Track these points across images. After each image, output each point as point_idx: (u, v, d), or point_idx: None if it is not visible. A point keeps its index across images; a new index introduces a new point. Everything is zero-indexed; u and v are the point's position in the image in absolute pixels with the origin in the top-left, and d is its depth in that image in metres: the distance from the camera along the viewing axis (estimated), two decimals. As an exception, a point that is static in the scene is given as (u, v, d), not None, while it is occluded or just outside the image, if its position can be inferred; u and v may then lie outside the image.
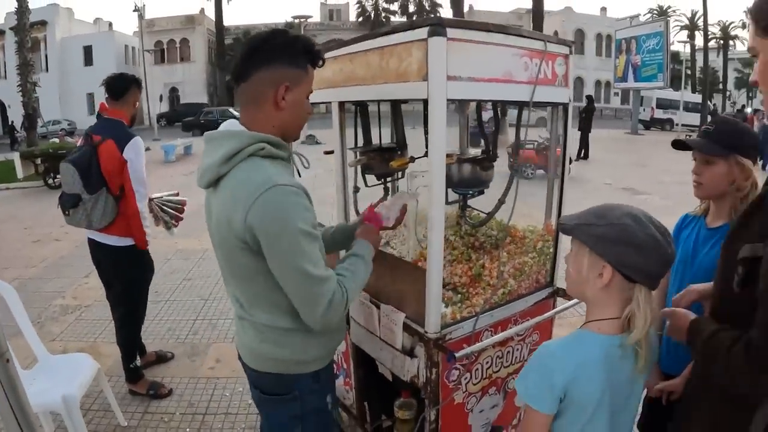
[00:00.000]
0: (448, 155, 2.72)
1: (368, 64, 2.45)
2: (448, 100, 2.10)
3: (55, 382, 3.48)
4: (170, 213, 4.69)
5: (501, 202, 2.78)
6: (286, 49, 1.94)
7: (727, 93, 59.83)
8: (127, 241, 4.18)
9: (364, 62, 2.48)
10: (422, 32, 2.05)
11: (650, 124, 36.56)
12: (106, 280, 4.47)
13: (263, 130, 1.94)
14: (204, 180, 1.95)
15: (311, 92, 2.07)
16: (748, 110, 32.74)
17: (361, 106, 3.02)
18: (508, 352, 2.68)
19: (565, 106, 2.75)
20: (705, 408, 1.66)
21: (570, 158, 2.97)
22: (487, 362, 2.60)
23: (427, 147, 2.43)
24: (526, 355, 2.76)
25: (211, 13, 55.07)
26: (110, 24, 62.87)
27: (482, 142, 3.01)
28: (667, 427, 2.00)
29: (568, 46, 2.66)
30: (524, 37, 2.40)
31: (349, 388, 3.19)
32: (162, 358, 5.00)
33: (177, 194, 4.86)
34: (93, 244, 4.25)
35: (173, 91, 56.11)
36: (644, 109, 36.54)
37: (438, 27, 2.01)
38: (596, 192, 12.91)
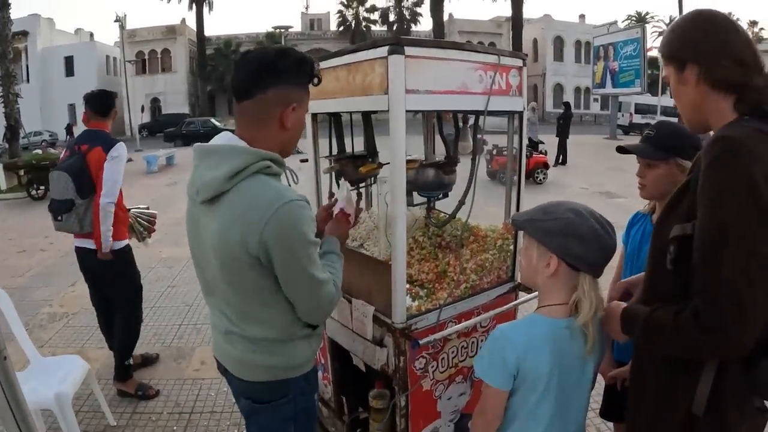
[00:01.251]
0: (412, 161, 2.93)
1: (337, 79, 2.66)
2: (407, 111, 2.31)
3: (47, 381, 3.60)
4: (144, 225, 4.88)
5: (461, 203, 2.96)
6: (297, 70, 1.96)
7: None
8: (120, 244, 4.37)
9: (334, 77, 2.68)
10: (383, 50, 2.26)
11: (629, 129, 36.82)
12: (97, 287, 4.61)
13: (266, 148, 1.94)
14: (202, 195, 1.92)
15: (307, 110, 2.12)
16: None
17: (335, 117, 3.16)
18: (473, 342, 2.86)
19: (520, 114, 2.94)
20: (651, 382, 1.80)
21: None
22: (453, 352, 2.77)
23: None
24: (489, 345, 2.95)
25: (192, 24, 55.01)
26: (91, 34, 62.40)
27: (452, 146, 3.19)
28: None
29: (522, 58, 2.86)
30: (478, 52, 2.60)
31: (328, 383, 3.33)
32: (147, 360, 5.13)
33: (147, 208, 5.08)
34: (83, 252, 4.38)
35: (155, 102, 55.64)
36: (623, 115, 36.78)
37: (397, 46, 2.23)
38: (573, 197, 13.02)
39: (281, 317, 2.03)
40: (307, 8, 67.23)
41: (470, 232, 3.22)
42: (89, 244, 4.30)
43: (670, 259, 1.64)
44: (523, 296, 3.01)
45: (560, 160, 20.19)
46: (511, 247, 3.06)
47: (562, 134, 20.47)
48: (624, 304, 1.89)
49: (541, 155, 16.41)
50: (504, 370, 1.83)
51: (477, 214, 2.84)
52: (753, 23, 69.00)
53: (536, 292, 2.03)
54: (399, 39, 2.25)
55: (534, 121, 19.52)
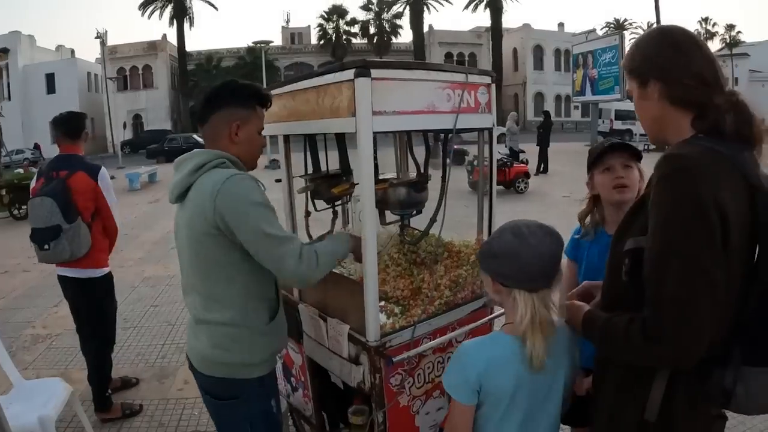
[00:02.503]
0: (382, 181, 2.97)
1: (307, 101, 2.68)
2: (375, 132, 2.35)
3: (30, 405, 3.58)
4: None
5: (433, 220, 2.99)
6: (236, 94, 2.37)
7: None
8: (103, 271, 4.39)
9: (304, 99, 2.72)
10: (349, 74, 2.29)
11: (610, 135, 37.10)
12: (78, 316, 4.55)
13: None
14: (174, 194, 2.32)
15: (262, 128, 2.48)
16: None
17: (309, 137, 3.20)
18: (449, 357, 2.85)
19: (490, 130, 2.98)
20: (609, 387, 1.86)
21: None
22: (429, 367, 2.78)
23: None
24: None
25: (173, 39, 55.06)
26: (72, 51, 62.30)
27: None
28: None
29: (490, 76, 2.90)
30: (445, 71, 2.65)
31: (308, 400, 3.33)
32: (127, 384, 5.12)
33: None
34: (65, 281, 4.36)
35: (137, 118, 55.46)
36: (603, 121, 37.02)
37: (363, 69, 2.25)
38: (554, 205, 13.20)
39: (240, 299, 2.32)
40: (287, 22, 67.39)
41: (444, 248, 3.25)
42: (71, 272, 4.29)
43: (625, 270, 1.70)
44: (498, 310, 3.03)
45: (541, 169, 20.39)
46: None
47: (543, 143, 20.72)
48: (585, 306, 1.95)
49: (522, 164, 16.60)
50: (468, 387, 1.88)
51: (460, 226, 2.89)
52: (730, 27, 70.00)
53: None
54: (365, 62, 2.29)
55: (515, 131, 19.77)
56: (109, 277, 4.51)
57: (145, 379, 5.26)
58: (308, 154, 3.28)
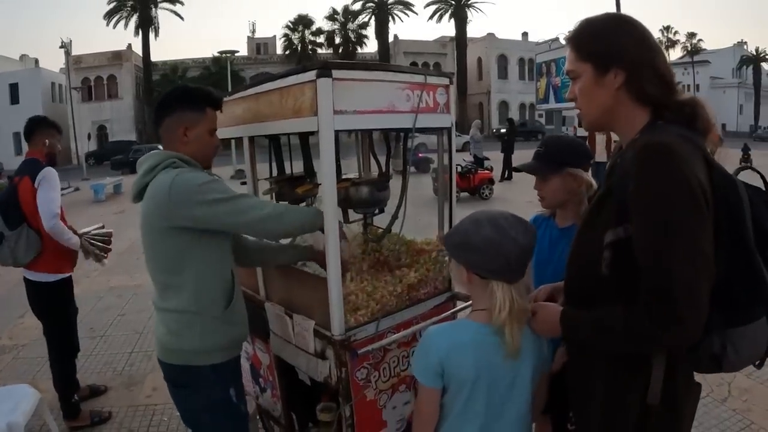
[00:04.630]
0: (344, 180, 3.03)
1: (271, 103, 2.75)
2: (337, 131, 2.42)
3: (-2, 411, 3.57)
4: (99, 246, 4.78)
5: (394, 217, 3.06)
6: (183, 98, 2.51)
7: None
8: (56, 277, 4.36)
9: (267, 101, 2.78)
10: (312, 74, 2.36)
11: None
12: (38, 318, 4.57)
13: None
14: (132, 194, 2.47)
15: (214, 129, 2.60)
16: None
17: (274, 140, 3.26)
18: (413, 351, 2.93)
19: (449, 130, 3.06)
20: (599, 376, 1.81)
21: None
22: (394, 361, 2.84)
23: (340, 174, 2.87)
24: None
25: (138, 49, 54.51)
26: (36, 61, 61.39)
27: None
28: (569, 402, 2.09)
29: (448, 77, 3.00)
30: (404, 72, 2.74)
31: (277, 400, 3.36)
32: (95, 392, 5.10)
33: (102, 227, 5.00)
34: (26, 283, 4.41)
35: (101, 129, 54.50)
36: (567, 129, 37.43)
37: (324, 69, 2.33)
38: (518, 210, 12.96)
39: (191, 286, 2.41)
40: (253, 33, 66.82)
41: (407, 246, 3.32)
42: (28, 274, 4.34)
43: (606, 263, 1.70)
44: (460, 305, 3.09)
45: (506, 176, 20.57)
46: (446, 258, 3.15)
47: (507, 150, 20.94)
48: (558, 306, 1.95)
49: (486, 171, 16.78)
50: (431, 370, 1.92)
51: (426, 231, 2.93)
52: (691, 35, 71.40)
53: (471, 301, 2.12)
54: (326, 63, 2.37)
55: (478, 139, 19.97)
56: (64, 283, 4.48)
57: (114, 387, 5.24)
58: (273, 157, 3.35)
